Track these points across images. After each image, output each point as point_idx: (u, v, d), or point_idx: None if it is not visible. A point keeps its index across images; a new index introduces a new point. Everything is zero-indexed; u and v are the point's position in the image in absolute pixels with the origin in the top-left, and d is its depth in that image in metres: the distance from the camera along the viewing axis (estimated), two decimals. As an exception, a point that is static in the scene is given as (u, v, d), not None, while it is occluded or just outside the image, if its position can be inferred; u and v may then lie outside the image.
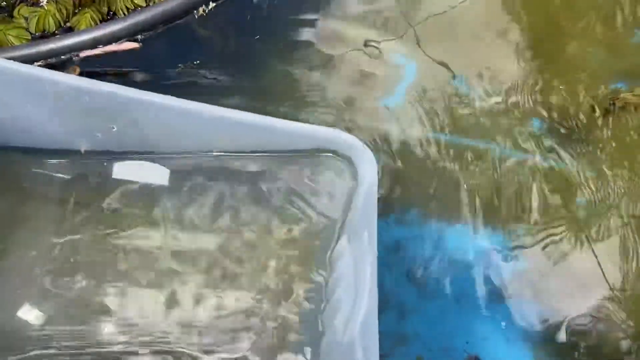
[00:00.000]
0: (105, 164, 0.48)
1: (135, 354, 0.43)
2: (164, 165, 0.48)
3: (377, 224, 0.41)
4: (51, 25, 0.65)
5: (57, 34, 0.64)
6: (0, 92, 0.43)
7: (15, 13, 0.65)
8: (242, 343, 0.45)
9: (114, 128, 0.46)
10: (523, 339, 0.54)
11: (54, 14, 0.65)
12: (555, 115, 0.65)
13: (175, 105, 0.42)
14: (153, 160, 0.48)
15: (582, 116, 0.65)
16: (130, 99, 0.42)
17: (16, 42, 0.63)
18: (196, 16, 0.66)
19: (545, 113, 0.65)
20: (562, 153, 0.63)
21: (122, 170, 0.48)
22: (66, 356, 0.43)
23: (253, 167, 0.48)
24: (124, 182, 0.48)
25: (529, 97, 0.66)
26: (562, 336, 0.55)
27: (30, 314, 0.43)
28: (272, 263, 0.47)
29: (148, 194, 0.48)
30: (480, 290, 0.56)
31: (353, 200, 0.46)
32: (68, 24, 0.65)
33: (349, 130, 0.62)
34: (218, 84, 0.63)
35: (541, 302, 0.56)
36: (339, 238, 0.46)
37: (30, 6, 0.65)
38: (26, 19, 0.64)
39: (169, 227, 0.47)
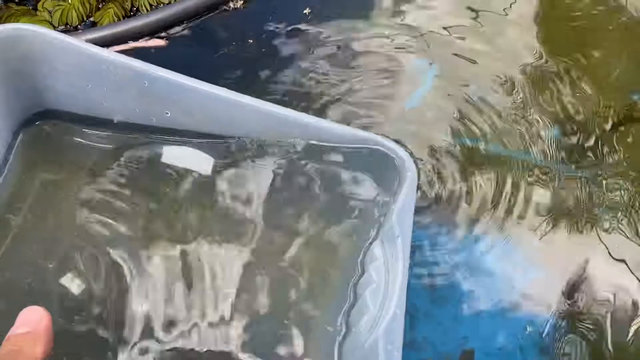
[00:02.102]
0: (154, 146, 0.49)
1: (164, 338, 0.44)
2: (209, 152, 0.49)
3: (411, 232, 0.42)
4: (74, 19, 0.65)
5: (79, 29, 0.65)
6: (63, 68, 0.45)
7: (39, 6, 0.65)
8: (265, 337, 0.45)
9: (168, 114, 0.47)
10: (538, 350, 0.54)
11: (78, 8, 0.65)
12: (573, 124, 0.65)
13: (228, 97, 0.44)
14: (199, 145, 0.49)
15: (598, 126, 0.65)
16: (188, 87, 0.44)
17: (39, 35, 0.63)
18: (222, 13, 0.66)
19: (564, 122, 0.65)
20: (578, 162, 0.63)
21: (170, 154, 0.48)
22: (101, 327, 0.43)
23: (294, 160, 0.49)
24: (170, 165, 0.49)
25: (548, 104, 0.66)
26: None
27: (72, 283, 0.43)
28: (303, 257, 0.47)
29: (189, 178, 0.49)
30: (496, 298, 0.56)
31: (391, 206, 0.46)
32: (91, 19, 0.65)
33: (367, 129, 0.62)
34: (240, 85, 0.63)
35: (558, 314, 0.56)
36: (373, 240, 0.46)
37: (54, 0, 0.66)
38: (50, 12, 0.65)
39: (207, 213, 0.48)
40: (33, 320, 0.31)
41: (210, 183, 0.49)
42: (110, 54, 0.43)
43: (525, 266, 0.57)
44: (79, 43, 0.43)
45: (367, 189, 0.49)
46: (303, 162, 0.49)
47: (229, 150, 0.49)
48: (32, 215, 0.46)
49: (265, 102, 0.45)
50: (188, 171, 0.49)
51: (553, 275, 0.57)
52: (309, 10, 0.69)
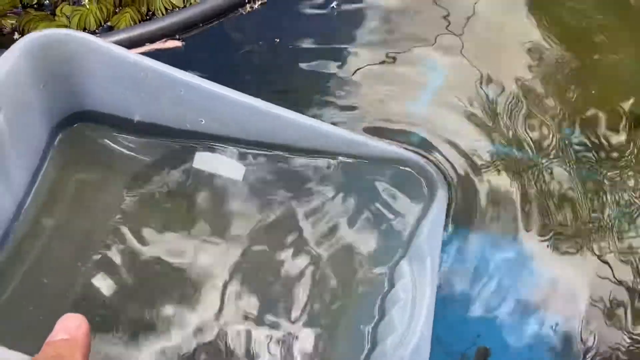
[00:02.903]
0: (187, 150, 0.50)
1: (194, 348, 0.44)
2: (241, 159, 0.50)
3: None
4: (92, 24, 0.66)
5: (97, 33, 0.66)
6: (102, 73, 0.46)
7: (57, 11, 0.66)
8: (289, 351, 0.45)
9: (202, 121, 0.48)
10: (548, 351, 0.54)
11: (95, 13, 0.66)
12: (585, 124, 0.65)
13: (263, 108, 0.46)
14: (232, 152, 0.50)
15: (611, 127, 0.65)
16: (223, 97, 0.46)
17: (57, 40, 0.64)
18: (240, 14, 0.67)
19: (576, 122, 0.65)
20: (591, 163, 0.63)
21: (202, 160, 0.49)
22: (132, 327, 0.44)
23: (325, 172, 0.50)
24: (202, 171, 0.50)
25: (561, 105, 0.66)
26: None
27: (103, 283, 0.44)
28: (329, 271, 0.48)
29: (220, 184, 0.50)
30: (506, 298, 0.56)
31: (421, 224, 0.47)
32: (108, 23, 0.67)
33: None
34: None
35: (567, 314, 0.56)
36: (401, 258, 0.47)
37: (72, 5, 0.67)
38: (68, 17, 0.66)
39: (236, 219, 0.49)
40: (72, 327, 0.31)
41: (240, 190, 0.50)
42: (149, 61, 0.45)
43: (536, 266, 0.57)
44: (119, 50, 0.45)
45: (396, 205, 0.50)
46: (334, 175, 0.50)
47: (262, 159, 0.50)
48: (67, 216, 0.47)
49: (300, 114, 0.47)
50: (219, 177, 0.50)
51: (564, 275, 0.57)
52: (336, 4, 0.69)
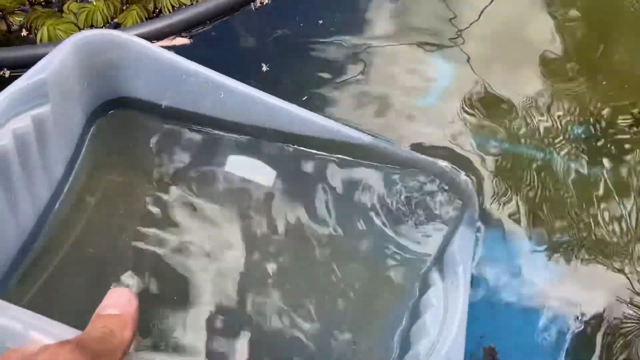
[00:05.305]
0: (219, 149, 0.51)
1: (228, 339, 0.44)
2: (273, 161, 0.51)
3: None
4: (99, 21, 0.66)
5: (104, 30, 0.66)
6: (144, 73, 0.48)
7: (65, 8, 0.66)
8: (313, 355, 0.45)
9: (238, 121, 0.50)
10: (558, 348, 0.54)
11: (102, 10, 0.66)
12: (595, 122, 0.65)
13: (297, 112, 0.48)
14: (265, 151, 0.51)
15: (622, 124, 0.65)
16: (260, 101, 0.47)
17: (65, 37, 0.64)
18: (248, 11, 0.67)
19: (586, 120, 0.65)
20: (599, 160, 0.63)
21: (234, 163, 0.50)
22: (156, 324, 0.44)
23: (359, 178, 0.51)
24: (234, 174, 0.50)
25: (570, 102, 0.66)
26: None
27: (131, 280, 0.44)
28: (358, 277, 0.48)
29: (251, 188, 0.51)
30: (515, 295, 0.56)
31: (454, 233, 0.47)
32: (115, 20, 0.67)
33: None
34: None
35: (577, 312, 0.56)
36: (433, 265, 0.47)
37: (79, 2, 0.67)
38: (75, 14, 0.66)
39: (264, 224, 0.49)
40: (122, 303, 0.30)
41: (271, 195, 0.50)
42: (191, 64, 0.46)
43: (541, 265, 0.57)
44: (162, 51, 0.46)
45: (429, 214, 0.50)
46: (367, 181, 0.51)
47: (294, 163, 0.51)
48: (104, 203, 0.48)
49: (331, 119, 0.48)
50: (250, 181, 0.50)
51: (569, 275, 0.57)
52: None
